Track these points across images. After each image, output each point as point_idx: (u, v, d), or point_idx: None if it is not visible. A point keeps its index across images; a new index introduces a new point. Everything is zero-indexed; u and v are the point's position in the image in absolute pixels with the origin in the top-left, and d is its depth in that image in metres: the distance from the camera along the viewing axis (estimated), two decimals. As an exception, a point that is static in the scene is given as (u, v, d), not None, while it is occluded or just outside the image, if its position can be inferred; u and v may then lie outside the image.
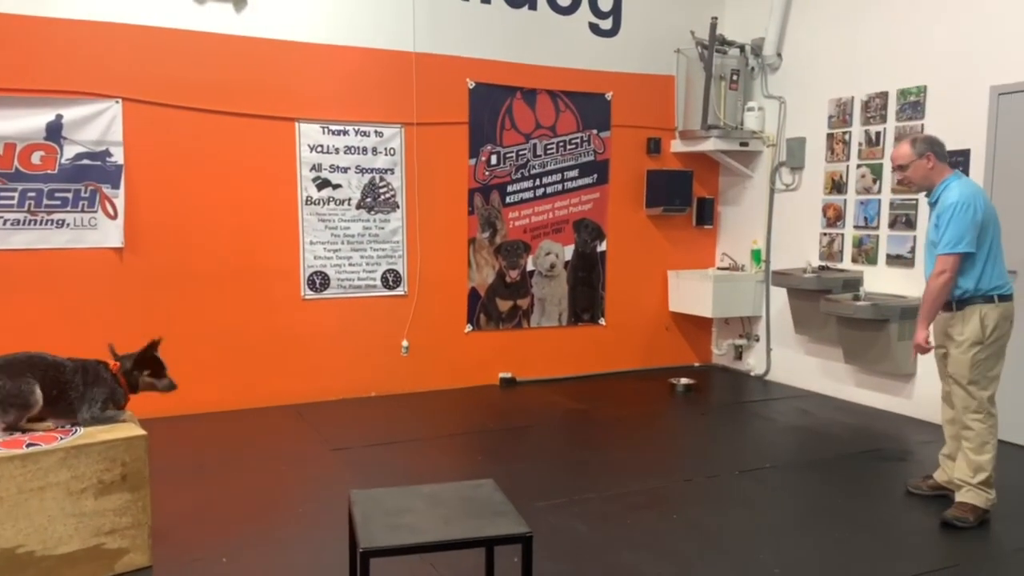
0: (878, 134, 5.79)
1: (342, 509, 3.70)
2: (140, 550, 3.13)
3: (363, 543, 2.12)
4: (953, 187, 3.71)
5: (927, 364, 5.46)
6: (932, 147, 3.79)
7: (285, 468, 4.50)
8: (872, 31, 5.82)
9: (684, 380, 6.52)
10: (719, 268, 7.19)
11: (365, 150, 6.01)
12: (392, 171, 6.11)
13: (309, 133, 5.82)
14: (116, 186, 5.26)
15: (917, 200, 5.50)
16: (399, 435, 5.14)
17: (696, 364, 7.38)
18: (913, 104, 5.52)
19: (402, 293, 6.23)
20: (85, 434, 3.08)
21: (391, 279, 6.20)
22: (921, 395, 5.53)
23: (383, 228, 6.13)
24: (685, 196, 7.02)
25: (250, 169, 5.66)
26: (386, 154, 6.08)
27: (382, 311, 6.17)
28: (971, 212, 3.60)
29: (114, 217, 5.28)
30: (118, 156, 5.26)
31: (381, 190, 6.11)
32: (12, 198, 5.01)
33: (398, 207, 6.16)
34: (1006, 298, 3.74)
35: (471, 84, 6.28)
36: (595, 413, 5.79)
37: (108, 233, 5.27)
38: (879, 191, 5.80)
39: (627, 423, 5.56)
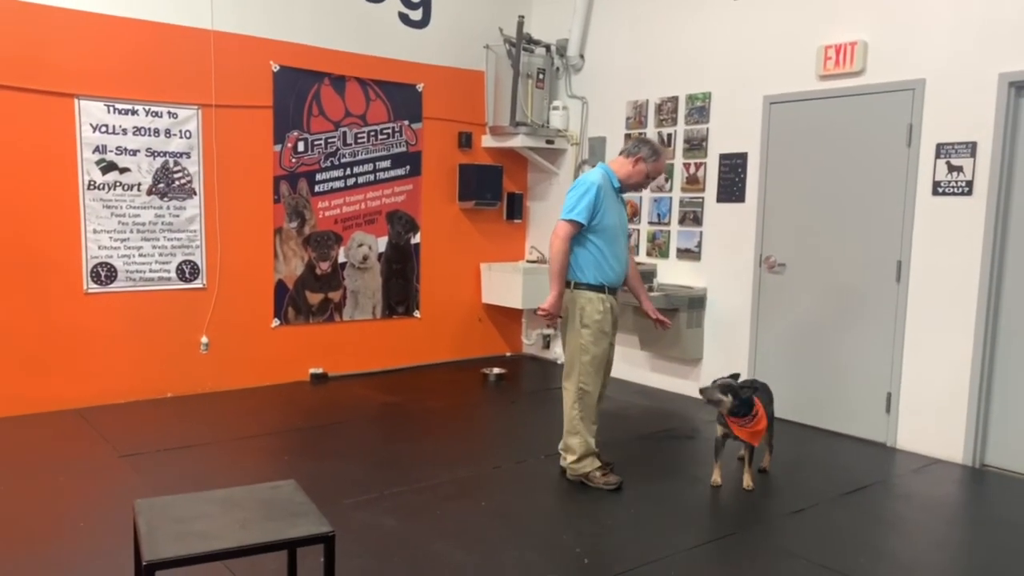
0: (670, 136, 6.23)
1: (126, 520, 3.43)
2: None
3: (147, 555, 1.97)
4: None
5: (712, 349, 5.99)
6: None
7: (65, 479, 4.08)
8: (664, 39, 6.24)
9: (496, 370, 6.67)
10: (528, 261, 7.42)
11: (157, 132, 5.57)
12: (188, 155, 5.72)
13: (92, 111, 5.30)
14: None
15: (703, 199, 5.99)
16: (197, 438, 4.83)
17: (508, 354, 7.58)
18: (700, 109, 6.00)
19: (200, 286, 5.86)
20: None
21: (188, 271, 5.81)
22: (707, 377, 6.03)
23: (178, 216, 5.72)
24: (496, 191, 7.17)
25: (20, 149, 5.06)
26: (181, 137, 5.68)
27: (178, 305, 5.77)
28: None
29: None
30: None
31: (176, 175, 5.69)
32: None
33: (195, 194, 5.78)
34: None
35: (275, 67, 6.01)
36: (408, 406, 5.78)
37: None
38: (670, 190, 6.25)
39: (440, 415, 5.60)
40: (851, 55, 5.02)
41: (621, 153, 4.24)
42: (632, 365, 6.59)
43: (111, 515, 3.60)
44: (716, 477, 4.23)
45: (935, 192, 4.69)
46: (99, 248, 5.41)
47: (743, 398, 4.02)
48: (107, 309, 5.46)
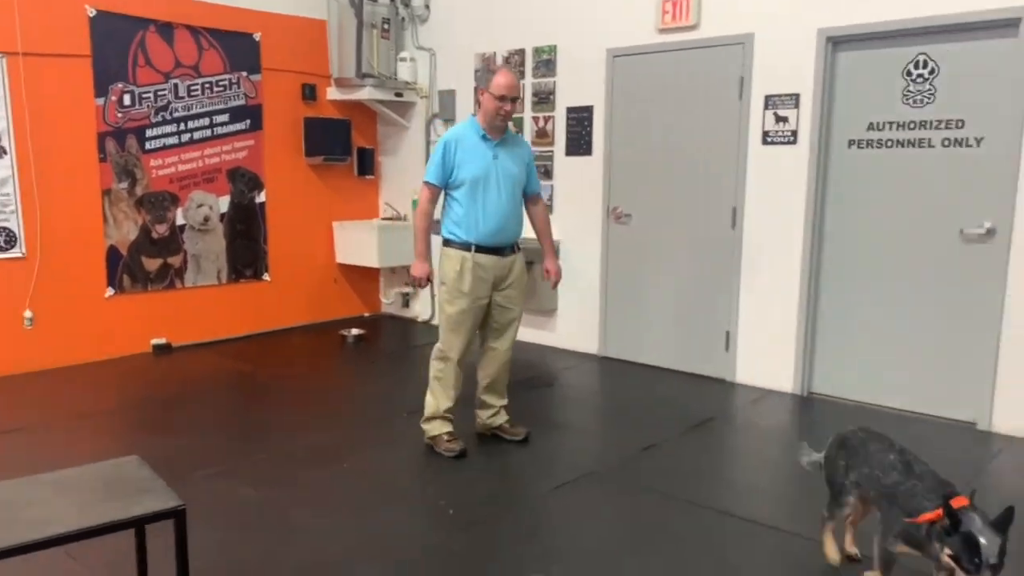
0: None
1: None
2: None
3: (-32, 550, 1.79)
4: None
5: (567, 300, 6.16)
6: None
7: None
8: (511, -9, 6.22)
9: (355, 331, 6.55)
10: (383, 218, 7.29)
11: (-48, 84, 4.95)
12: (-7, 111, 5.13)
13: None
14: None
15: (553, 152, 6.08)
16: (25, 421, 4.44)
17: (366, 314, 7.45)
18: (546, 62, 6.05)
19: (19, 255, 5.33)
20: None
21: (3, 239, 5.26)
22: (563, 327, 6.22)
23: (-14, 179, 5.15)
24: (345, 145, 6.95)
25: None
26: (-17, 90, 5.08)
27: (-7, 278, 5.23)
28: None
29: None
30: None
31: (-21, 133, 5.10)
32: None
33: (5, 152, 5.21)
34: None
35: (91, 12, 5.47)
36: (262, 373, 5.57)
37: None
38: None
39: (297, 380, 5.44)
40: (687, 9, 5.21)
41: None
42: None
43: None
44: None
45: (764, 142, 5.01)
46: None
47: None
48: (-96, 285, 4.86)
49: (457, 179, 3.86)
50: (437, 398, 4.02)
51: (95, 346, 5.71)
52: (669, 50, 5.36)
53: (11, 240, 5.30)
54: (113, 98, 5.65)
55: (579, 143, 5.91)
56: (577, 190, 5.98)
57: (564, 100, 5.98)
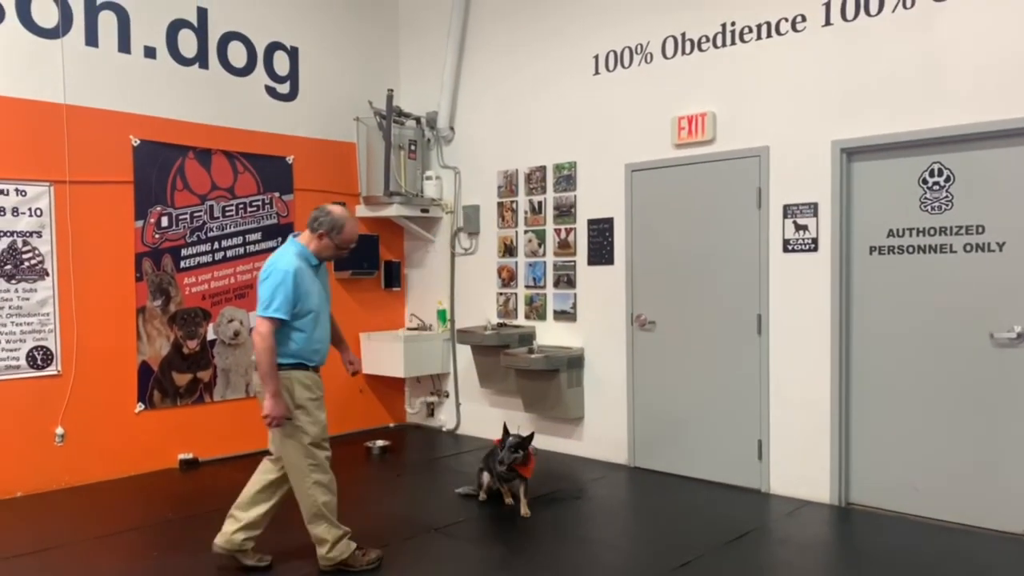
0: (540, 203, 6.44)
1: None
2: None
3: None
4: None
5: (593, 407, 6.12)
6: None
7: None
8: (530, 111, 6.50)
9: (380, 442, 6.51)
10: (408, 328, 7.38)
11: (3, 210, 5.21)
12: (39, 234, 5.36)
13: (-76, 190, 4.90)
14: None
15: (575, 262, 6.20)
16: (53, 540, 4.41)
17: (391, 424, 7.43)
18: (567, 177, 6.26)
19: (54, 372, 5.44)
20: None
21: (40, 357, 5.38)
22: (590, 435, 6.15)
23: (28, 299, 5.33)
24: (373, 259, 7.14)
25: None
26: (31, 215, 5.33)
27: (28, 395, 5.32)
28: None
29: None
30: None
31: (25, 255, 5.32)
32: None
33: (47, 274, 5.40)
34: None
35: (135, 141, 5.79)
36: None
37: None
38: (544, 254, 6.43)
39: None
40: (702, 125, 5.41)
41: (309, 226, 3.95)
42: (516, 428, 6.59)
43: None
44: (483, 494, 4.99)
45: (785, 249, 5.08)
46: (-67, 338, 4.93)
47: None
48: (-57, 405, 4.96)
49: (303, 309, 3.84)
50: (331, 522, 3.92)
51: (123, 462, 5.72)
52: (686, 164, 5.53)
53: (48, 358, 5.42)
54: (152, 220, 5.89)
55: (601, 253, 6.03)
56: (600, 298, 6.05)
57: (585, 212, 6.14)
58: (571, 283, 6.24)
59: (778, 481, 5.15)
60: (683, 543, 4.26)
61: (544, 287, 6.45)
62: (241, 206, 6.38)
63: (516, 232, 6.63)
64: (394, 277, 7.40)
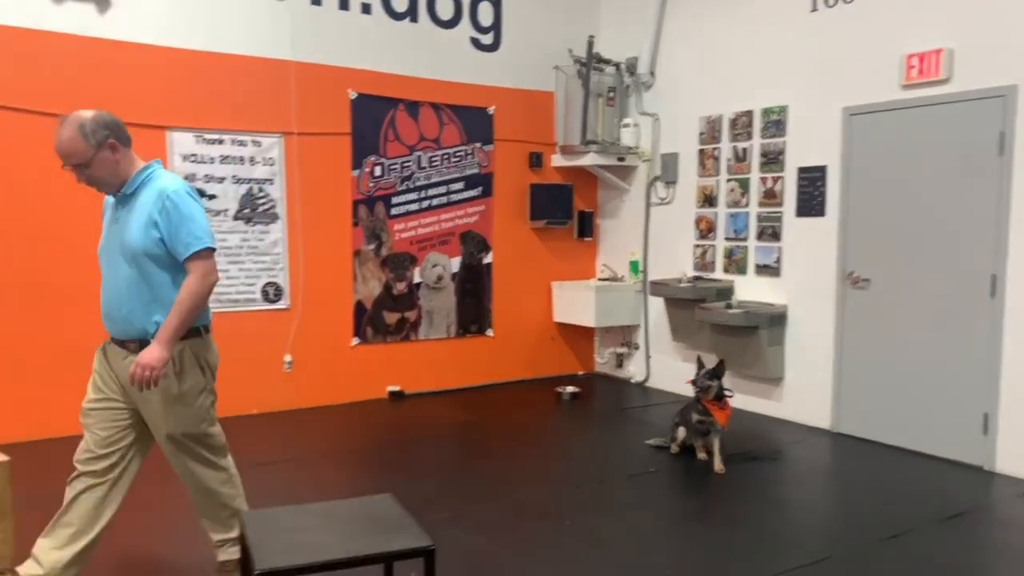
0: (745, 150, 6.15)
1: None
2: (0, 588, 2.87)
3: (258, 565, 2.03)
4: (166, 175, 2.91)
5: (795, 367, 5.85)
6: (112, 131, 2.82)
7: (160, 491, 4.21)
8: (737, 53, 6.19)
9: (569, 389, 6.65)
10: (600, 279, 7.41)
11: (242, 160, 5.80)
12: (272, 181, 5.92)
13: (182, 142, 5.55)
14: (-38, 195, 4.82)
15: (782, 213, 5.89)
16: (285, 453, 4.96)
17: (580, 373, 7.55)
18: (776, 122, 5.91)
19: (284, 307, 6.04)
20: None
21: (272, 292, 5.99)
22: (790, 397, 5.89)
23: (263, 240, 5.92)
24: (566, 209, 7.20)
25: (117, 178, 5.32)
26: (265, 164, 5.89)
27: (263, 326, 5.95)
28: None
29: (-41, 229, 4.82)
30: (-36, 162, 4.82)
31: (260, 201, 5.90)
32: None
33: (278, 218, 5.97)
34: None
35: (353, 95, 6.18)
36: (485, 424, 5.81)
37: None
38: (747, 204, 6.16)
39: (516, 433, 5.61)
40: (936, 63, 4.88)
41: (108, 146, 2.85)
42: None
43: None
44: (675, 447, 5.01)
45: (1031, 202, 4.50)
46: (189, 271, 5.62)
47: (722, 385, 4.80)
48: (196, 330, 5.67)
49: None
50: (240, 507, 3.12)
51: (340, 390, 6.28)
52: (914, 106, 5.03)
53: (278, 293, 6.02)
54: (367, 170, 6.31)
55: (810, 204, 5.67)
56: (808, 253, 5.72)
57: (794, 160, 5.79)
58: (776, 236, 5.94)
59: (1006, 459, 4.67)
60: (891, 515, 4.00)
61: (746, 239, 6.19)
62: (445, 156, 6.66)
63: (717, 181, 6.39)
64: (587, 227, 7.43)
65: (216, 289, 5.81)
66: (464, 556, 3.44)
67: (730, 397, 4.88)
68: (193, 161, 5.59)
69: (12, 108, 4.97)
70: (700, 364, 4.91)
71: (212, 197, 5.68)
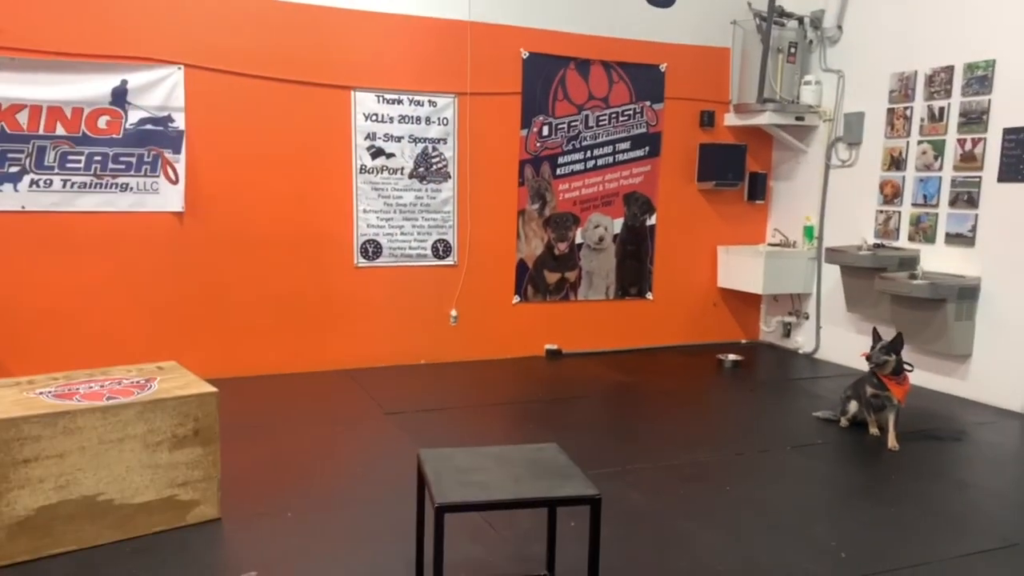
0: (942, 109, 5.65)
1: (401, 469, 3.81)
2: (210, 503, 3.25)
3: (438, 498, 2.18)
4: None
5: (984, 345, 5.39)
6: None
7: (342, 429, 4.61)
8: (939, 4, 5.65)
9: (731, 356, 6.49)
10: (770, 244, 7.12)
11: (419, 119, 6.04)
12: (445, 141, 6.14)
13: (364, 102, 5.86)
14: (178, 151, 5.37)
15: (981, 178, 5.37)
16: (450, 402, 5.22)
17: (743, 341, 7.34)
18: (980, 79, 5.37)
19: (452, 263, 6.29)
20: (160, 390, 3.19)
21: (441, 249, 6.25)
22: (978, 376, 5.44)
23: (435, 198, 6.18)
24: (738, 170, 6.95)
25: (307, 137, 5.73)
26: (439, 124, 6.10)
27: (432, 280, 6.23)
28: None
29: (175, 182, 5.39)
30: (179, 122, 5.36)
31: (433, 160, 6.14)
32: (79, 162, 5.15)
33: (450, 177, 6.19)
34: None
35: (525, 54, 6.25)
36: (642, 386, 5.81)
37: (169, 197, 5.39)
38: (940, 168, 5.67)
39: (675, 396, 5.57)
40: None
41: None
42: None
43: (383, 462, 4.02)
44: (845, 420, 4.82)
45: None
46: (367, 226, 5.99)
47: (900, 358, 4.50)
48: (373, 282, 6.04)
49: None
50: None
51: (500, 346, 6.48)
52: None
53: (447, 250, 6.27)
54: (535, 129, 6.38)
55: (1017, 168, 5.14)
56: (1010, 222, 5.20)
57: (1000, 120, 5.24)
58: (972, 202, 5.44)
59: None
60: (1098, 511, 3.64)
61: (936, 205, 5.71)
62: (614, 115, 6.60)
63: (907, 143, 5.92)
64: (759, 189, 7.13)
65: (391, 244, 6.18)
66: (623, 512, 3.50)
67: (910, 372, 4.58)
68: (374, 120, 5.90)
69: (213, 69, 5.43)
70: (876, 336, 4.63)
71: (390, 156, 5.98)
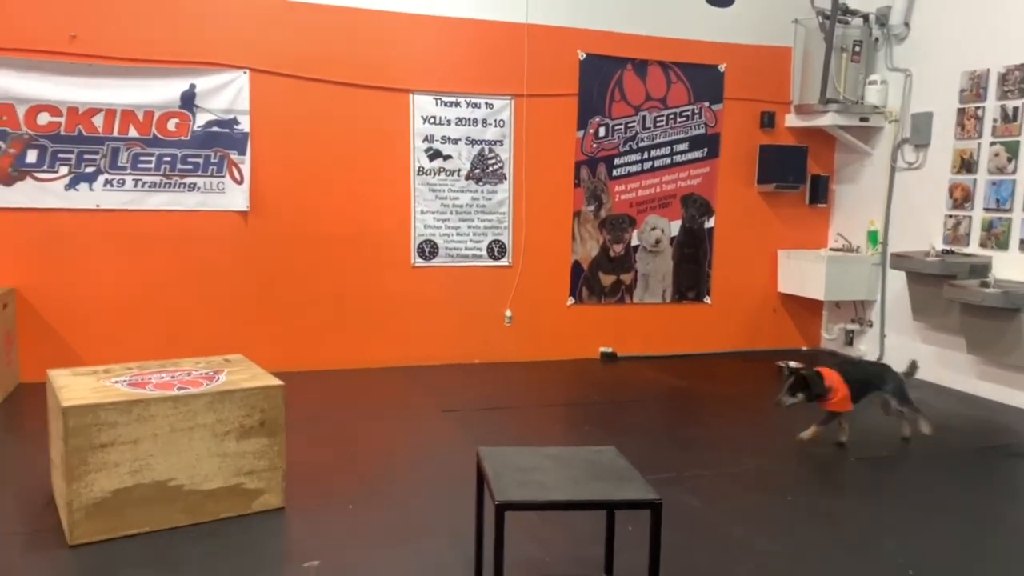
0: (1016, 109, 5.43)
1: (458, 466, 3.83)
2: (274, 492, 3.32)
3: (499, 496, 2.18)
4: None
5: (1062, 355, 5.14)
6: None
7: (400, 426, 4.66)
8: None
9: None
10: (832, 249, 6.95)
11: (476, 121, 6.07)
12: (501, 143, 6.16)
13: (423, 104, 5.92)
14: (243, 152, 5.51)
15: (1059, 180, 5.16)
16: (505, 401, 5.23)
17: (804, 348, 7.17)
18: (1060, 77, 5.16)
19: (507, 264, 6.30)
20: (228, 381, 3.28)
21: (496, 250, 6.27)
22: (1053, 388, 5.22)
23: (490, 199, 6.20)
24: (799, 173, 6.80)
25: (367, 139, 5.82)
26: (496, 126, 6.13)
27: (487, 281, 6.26)
28: None
29: (240, 182, 5.53)
30: (245, 124, 5.50)
31: (490, 161, 6.16)
32: (150, 162, 5.33)
33: (505, 178, 6.21)
34: None
35: (582, 55, 6.23)
36: (699, 391, 5.73)
37: (234, 197, 5.54)
38: (1014, 171, 5.46)
39: (733, 403, 5.47)
40: None
41: None
42: (955, 371, 5.89)
43: (442, 459, 4.06)
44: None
45: None
46: (424, 227, 6.05)
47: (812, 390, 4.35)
48: (429, 282, 6.10)
49: None
50: None
51: (554, 347, 6.47)
52: None
53: (502, 251, 6.29)
54: (591, 131, 6.36)
55: (1098, 171, 4.91)
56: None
57: (1080, 120, 5.03)
58: (1048, 206, 5.22)
59: None
60: None
61: (1010, 210, 5.50)
62: (671, 116, 6.53)
63: (979, 144, 5.71)
64: (820, 192, 6.97)
65: (447, 244, 6.23)
66: (682, 518, 3.45)
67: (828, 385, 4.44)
68: (432, 123, 5.96)
69: (277, 73, 5.56)
70: (785, 377, 4.54)
71: (447, 157, 6.02)
